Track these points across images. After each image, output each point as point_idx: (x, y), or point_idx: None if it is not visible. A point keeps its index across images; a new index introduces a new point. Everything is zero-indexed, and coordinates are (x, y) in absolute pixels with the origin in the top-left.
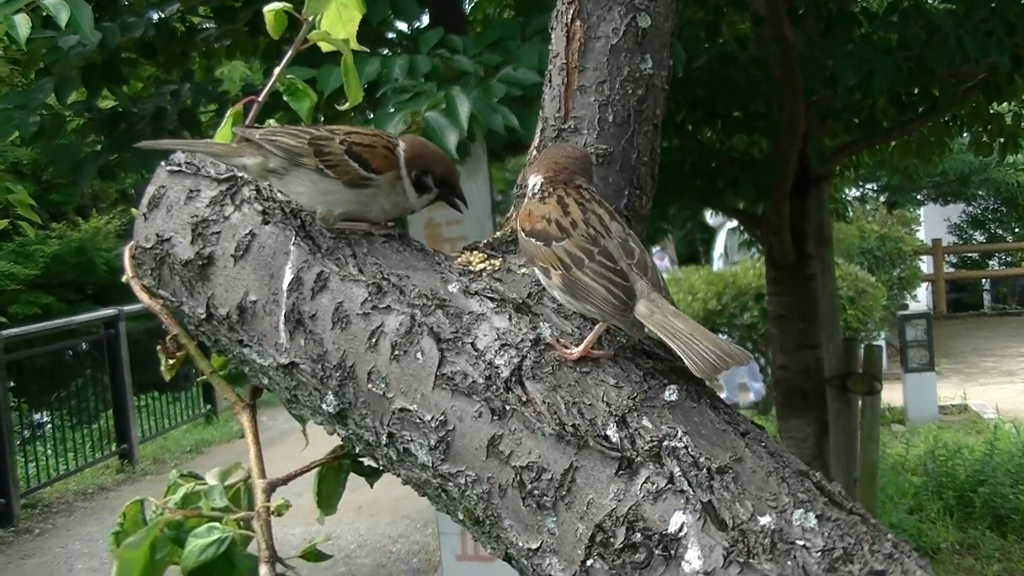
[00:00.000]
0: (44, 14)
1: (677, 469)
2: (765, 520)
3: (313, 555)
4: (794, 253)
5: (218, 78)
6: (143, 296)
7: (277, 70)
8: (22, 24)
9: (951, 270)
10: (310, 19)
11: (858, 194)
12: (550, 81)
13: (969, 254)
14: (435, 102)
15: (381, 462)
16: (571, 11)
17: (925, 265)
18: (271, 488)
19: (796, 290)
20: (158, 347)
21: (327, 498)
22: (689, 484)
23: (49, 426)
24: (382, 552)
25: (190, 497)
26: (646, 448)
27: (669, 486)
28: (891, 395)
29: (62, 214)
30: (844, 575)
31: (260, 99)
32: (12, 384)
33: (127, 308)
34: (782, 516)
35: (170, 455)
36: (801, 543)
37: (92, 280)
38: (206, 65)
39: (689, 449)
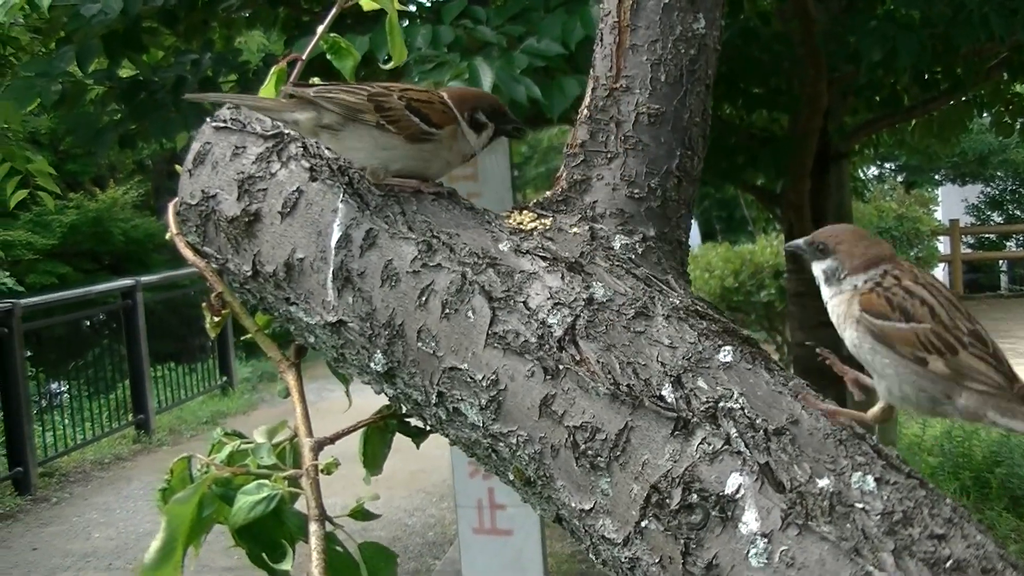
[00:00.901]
0: None
1: (734, 430)
2: (823, 482)
3: (361, 514)
4: (814, 231)
5: (238, 48)
6: (187, 253)
7: (320, 28)
8: None
9: (968, 251)
10: None
11: (876, 173)
12: (601, 40)
13: (986, 235)
14: (458, 72)
15: (429, 422)
16: None
17: (942, 245)
18: (319, 447)
19: None
20: (203, 304)
21: (372, 459)
22: (746, 445)
23: (66, 396)
24: (398, 525)
25: (235, 455)
26: (702, 409)
27: (726, 447)
28: None
29: (79, 184)
30: (904, 538)
31: (304, 57)
32: (29, 353)
33: (144, 279)
34: (840, 479)
35: (186, 426)
36: (860, 506)
37: (109, 250)
38: (226, 35)
39: (745, 410)
